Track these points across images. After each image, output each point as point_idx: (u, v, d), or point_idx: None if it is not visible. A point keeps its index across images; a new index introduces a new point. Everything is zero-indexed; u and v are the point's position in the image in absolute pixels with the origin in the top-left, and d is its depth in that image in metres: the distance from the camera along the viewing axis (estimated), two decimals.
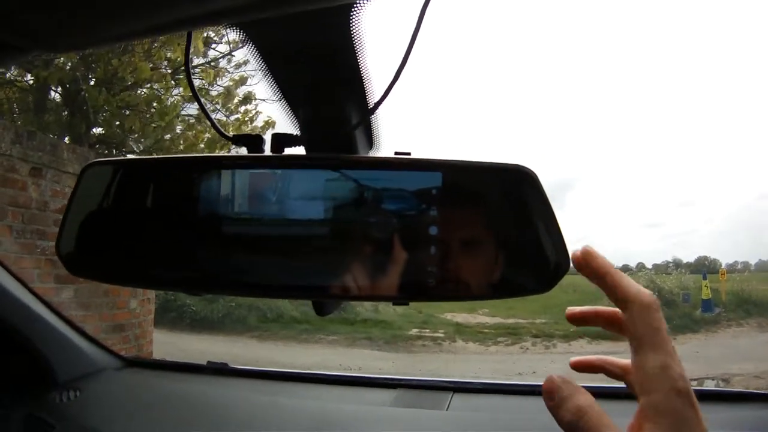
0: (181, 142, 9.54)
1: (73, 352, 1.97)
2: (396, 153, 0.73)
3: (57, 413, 1.79)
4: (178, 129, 9.76)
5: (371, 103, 0.78)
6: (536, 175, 0.71)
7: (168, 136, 9.69)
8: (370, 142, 0.86)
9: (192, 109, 9.65)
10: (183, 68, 8.99)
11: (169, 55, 8.60)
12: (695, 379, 8.83)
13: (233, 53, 9.51)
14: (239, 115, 9.81)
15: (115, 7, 0.47)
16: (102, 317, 5.43)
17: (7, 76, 9.35)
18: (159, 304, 8.90)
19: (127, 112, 9.43)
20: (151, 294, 6.33)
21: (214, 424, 1.74)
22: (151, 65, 8.68)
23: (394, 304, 0.78)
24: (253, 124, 9.72)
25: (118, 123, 9.43)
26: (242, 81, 9.68)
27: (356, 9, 0.62)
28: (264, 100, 9.72)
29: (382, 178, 0.73)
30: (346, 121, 0.79)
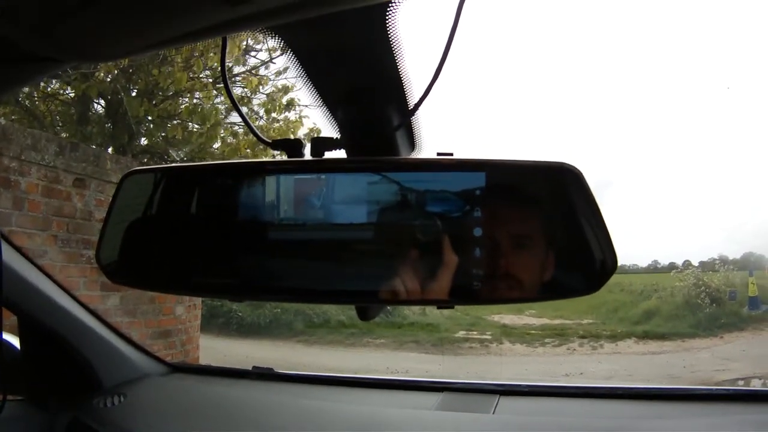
0: (224, 150, 9.57)
1: (118, 359, 2.00)
2: (438, 154, 0.72)
3: (101, 418, 1.82)
4: (222, 135, 9.76)
5: (411, 104, 0.76)
6: (581, 173, 0.69)
7: (215, 145, 9.71)
8: (412, 143, 0.84)
9: (237, 118, 9.68)
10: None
11: (208, 63, 8.64)
12: (741, 379, 8.65)
13: (273, 61, 9.51)
14: (281, 123, 9.79)
15: (150, 16, 0.47)
16: (148, 324, 5.48)
17: (48, 89, 9.49)
18: (206, 310, 8.97)
19: (169, 122, 9.54)
20: (198, 300, 6.38)
21: (260, 429, 1.75)
22: (191, 75, 8.75)
23: (439, 307, 0.77)
24: (297, 133, 9.66)
25: (161, 133, 9.53)
26: (285, 90, 9.65)
27: (391, 9, 0.61)
28: (307, 106, 9.70)
29: (425, 180, 0.72)
30: (386, 123, 0.77)
